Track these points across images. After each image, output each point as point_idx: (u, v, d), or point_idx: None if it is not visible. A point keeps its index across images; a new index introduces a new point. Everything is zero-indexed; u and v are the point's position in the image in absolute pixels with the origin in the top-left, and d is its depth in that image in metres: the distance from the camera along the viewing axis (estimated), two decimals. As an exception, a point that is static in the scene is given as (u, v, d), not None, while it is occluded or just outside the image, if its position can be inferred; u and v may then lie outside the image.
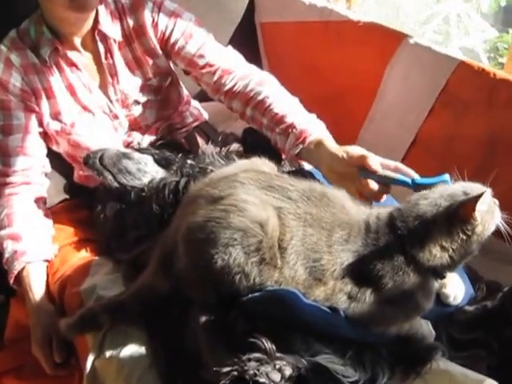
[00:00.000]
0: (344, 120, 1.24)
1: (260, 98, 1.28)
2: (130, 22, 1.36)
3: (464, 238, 0.82)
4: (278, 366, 0.74)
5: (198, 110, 1.64)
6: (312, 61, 1.69)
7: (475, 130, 1.29)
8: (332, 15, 1.61)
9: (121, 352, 1.00)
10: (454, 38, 2.56)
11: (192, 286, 0.92)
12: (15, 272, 1.25)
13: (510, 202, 0.86)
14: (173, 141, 1.49)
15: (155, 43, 1.37)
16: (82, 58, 1.36)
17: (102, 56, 1.35)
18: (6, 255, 1.27)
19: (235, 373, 0.73)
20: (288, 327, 0.84)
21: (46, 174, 1.41)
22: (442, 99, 1.36)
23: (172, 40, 1.37)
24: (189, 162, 1.24)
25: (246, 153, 1.29)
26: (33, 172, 1.37)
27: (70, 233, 1.37)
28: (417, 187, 0.96)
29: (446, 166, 1.35)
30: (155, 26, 1.36)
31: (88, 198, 1.45)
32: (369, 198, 1.04)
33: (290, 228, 0.85)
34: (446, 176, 0.94)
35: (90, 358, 1.03)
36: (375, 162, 1.02)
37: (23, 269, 1.25)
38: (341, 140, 1.20)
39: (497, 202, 0.87)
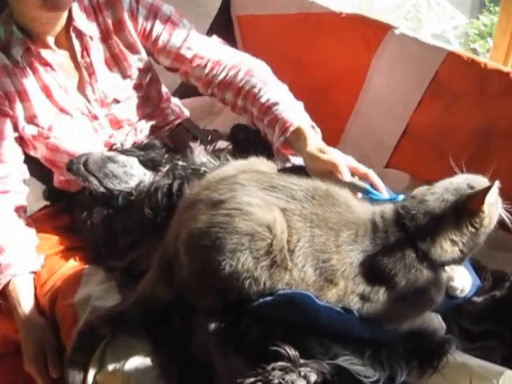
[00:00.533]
0: (330, 113, 1.22)
1: (248, 87, 1.25)
2: (107, 18, 1.30)
3: (473, 230, 0.82)
4: (302, 373, 0.73)
5: (179, 107, 1.60)
6: (293, 54, 1.66)
7: (468, 119, 1.29)
8: (313, 7, 1.58)
9: (125, 364, 0.96)
10: (426, 25, 2.59)
11: (197, 294, 0.89)
12: (0, 286, 1.19)
13: (505, 190, 0.86)
14: (156, 140, 1.44)
15: (135, 38, 1.32)
16: (57, 57, 1.29)
17: (78, 54, 1.29)
18: (-11, 269, 1.21)
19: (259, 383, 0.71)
20: (303, 331, 0.82)
21: (24, 181, 1.35)
22: (431, 90, 1.36)
23: (154, 35, 1.32)
24: (180, 163, 1.20)
25: (238, 151, 1.26)
26: (11, 180, 1.30)
27: (54, 241, 1.32)
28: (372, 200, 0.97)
29: (439, 156, 1.36)
30: (134, 20, 1.31)
31: (69, 204, 1.40)
32: None
33: (296, 230, 0.83)
34: (401, 196, 0.95)
35: (91, 373, 0.99)
36: (344, 170, 1.02)
37: (9, 282, 1.20)
38: (327, 134, 1.19)
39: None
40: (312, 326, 0.83)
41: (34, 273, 1.24)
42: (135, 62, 1.35)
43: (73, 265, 1.23)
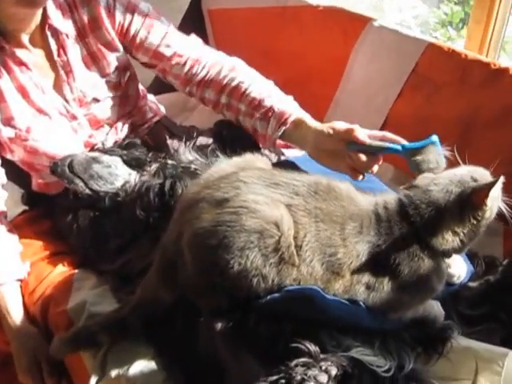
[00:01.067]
0: (307, 105, 1.21)
1: (234, 83, 1.24)
2: (83, 16, 1.25)
3: (474, 222, 0.84)
4: (323, 368, 0.73)
5: (156, 104, 1.58)
6: (268, 47, 1.66)
7: (449, 109, 1.32)
8: (289, 0, 1.58)
9: (129, 370, 0.94)
10: (388, 15, 2.63)
11: (201, 294, 0.88)
12: (-14, 297, 1.15)
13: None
14: (137, 139, 1.41)
15: (113, 36, 1.28)
16: (32, 56, 1.24)
17: (55, 53, 1.25)
18: (-28, 279, 1.16)
19: (283, 381, 0.71)
20: (313, 325, 0.83)
21: (2, 186, 1.30)
22: (412, 81, 1.38)
23: (132, 32, 1.29)
24: (169, 161, 1.18)
25: (222, 147, 1.25)
26: (-13, 185, 1.25)
27: (38, 247, 1.28)
28: (407, 153, 0.97)
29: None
30: (111, 17, 1.27)
31: (50, 208, 1.36)
32: (361, 171, 1.03)
33: (302, 225, 0.83)
34: (435, 137, 0.95)
35: (93, 380, 0.97)
36: (362, 133, 1.01)
37: (-4, 292, 1.15)
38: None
39: None
40: (322, 320, 0.83)
41: (21, 280, 1.20)
42: (114, 60, 1.32)
43: (61, 270, 1.20)
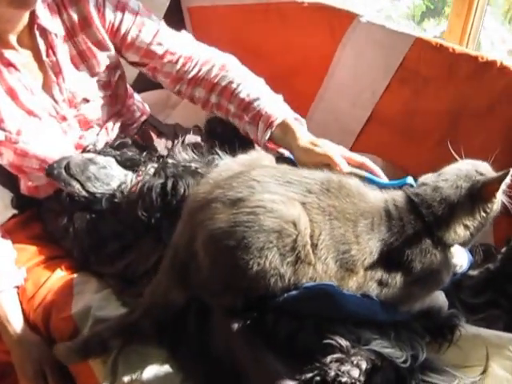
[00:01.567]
0: (290, 101, 1.22)
1: (225, 83, 1.24)
2: (72, 15, 1.22)
3: (484, 215, 0.87)
4: (355, 362, 0.75)
5: (142, 103, 1.56)
6: (252, 44, 1.65)
7: (437, 103, 1.35)
8: (273, -3, 1.58)
9: (142, 374, 0.93)
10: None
11: (217, 294, 0.88)
12: (-17, 306, 1.12)
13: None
14: (127, 139, 1.39)
15: (103, 35, 1.26)
16: (20, 56, 1.20)
17: (43, 53, 1.21)
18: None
19: (318, 378, 0.72)
20: (332, 321, 0.84)
21: (-9, 190, 1.26)
22: (399, 76, 1.40)
23: (123, 30, 1.27)
24: (170, 161, 1.17)
25: (221, 145, 1.24)
26: (-23, 190, 1.22)
27: (32, 252, 1.24)
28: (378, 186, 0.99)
29: (409, 139, 1.42)
30: (101, 16, 1.24)
31: (40, 211, 1.33)
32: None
33: (317, 223, 0.84)
34: (410, 179, 0.97)
35: (104, 387, 0.95)
36: (340, 161, 1.03)
37: (-7, 300, 1.12)
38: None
39: None
40: (339, 316, 0.85)
41: (18, 287, 1.17)
42: (104, 59, 1.29)
43: (60, 275, 1.17)
